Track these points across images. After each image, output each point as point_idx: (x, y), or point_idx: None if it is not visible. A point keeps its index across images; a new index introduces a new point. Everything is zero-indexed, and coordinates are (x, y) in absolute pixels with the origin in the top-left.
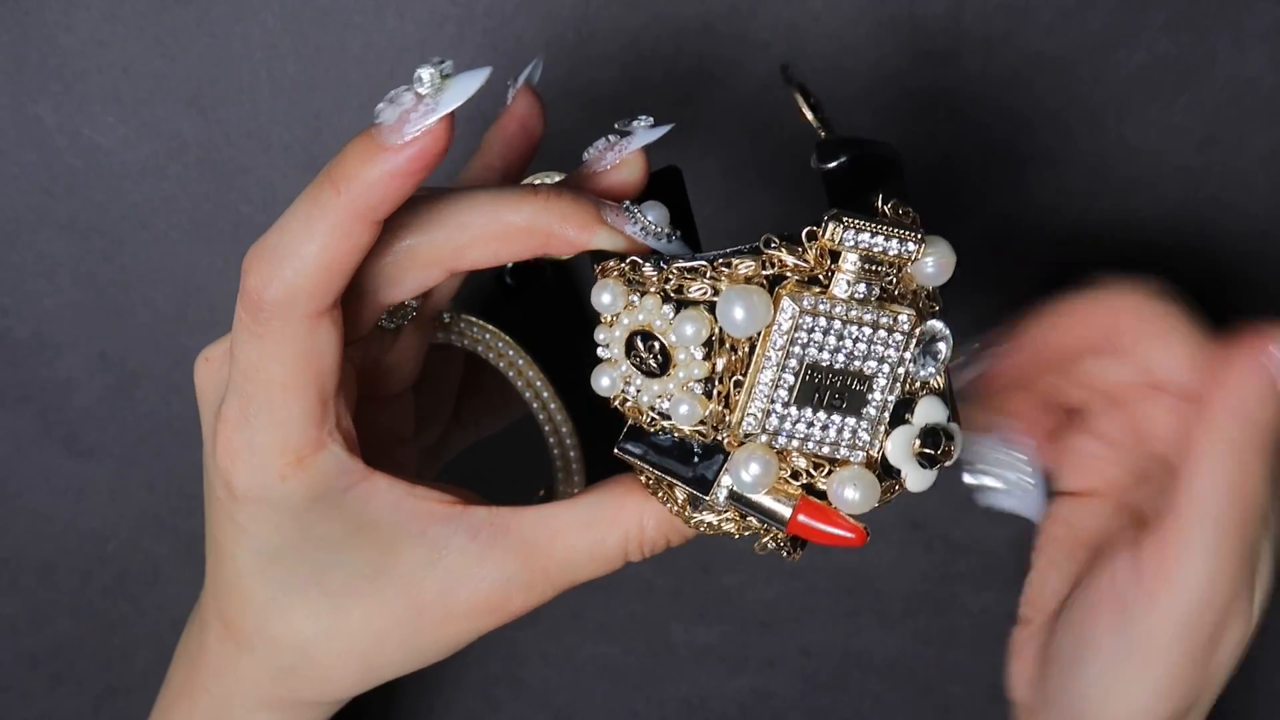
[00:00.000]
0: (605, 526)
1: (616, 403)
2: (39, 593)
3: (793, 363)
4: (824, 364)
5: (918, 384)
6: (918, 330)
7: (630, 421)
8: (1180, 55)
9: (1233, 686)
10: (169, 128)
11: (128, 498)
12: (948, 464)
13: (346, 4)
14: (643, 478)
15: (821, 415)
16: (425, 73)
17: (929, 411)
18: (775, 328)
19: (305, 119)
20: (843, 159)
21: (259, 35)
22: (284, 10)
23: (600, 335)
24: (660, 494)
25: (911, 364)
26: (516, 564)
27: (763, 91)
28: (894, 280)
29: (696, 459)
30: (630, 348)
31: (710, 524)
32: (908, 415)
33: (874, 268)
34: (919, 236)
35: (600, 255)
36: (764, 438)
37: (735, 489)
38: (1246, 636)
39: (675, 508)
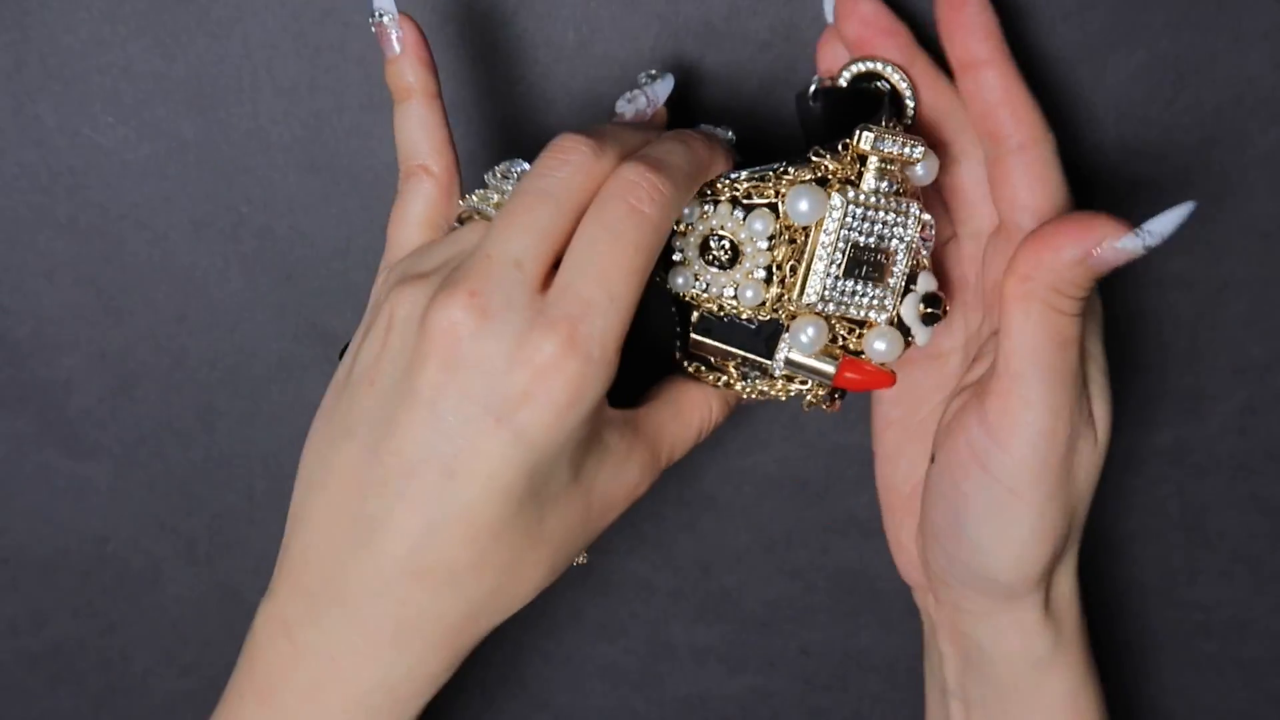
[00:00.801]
0: (689, 414)
1: (687, 298)
2: (39, 593)
3: (842, 243)
4: (861, 244)
5: (917, 262)
6: (921, 216)
7: (696, 317)
8: (1180, 55)
9: (1233, 687)
10: (169, 128)
11: (128, 498)
12: (940, 322)
13: (346, 4)
14: (691, 368)
15: (859, 286)
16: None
17: (927, 282)
18: (829, 216)
19: (305, 119)
20: (816, 105)
21: (259, 35)
22: (284, 10)
23: (676, 242)
24: (712, 376)
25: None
26: (647, 454)
27: (763, 91)
28: (899, 180)
29: (756, 336)
30: (704, 248)
31: (761, 390)
32: (912, 286)
33: (889, 168)
34: (921, 142)
35: None
36: (819, 304)
37: (791, 355)
38: (1099, 456)
39: (730, 381)
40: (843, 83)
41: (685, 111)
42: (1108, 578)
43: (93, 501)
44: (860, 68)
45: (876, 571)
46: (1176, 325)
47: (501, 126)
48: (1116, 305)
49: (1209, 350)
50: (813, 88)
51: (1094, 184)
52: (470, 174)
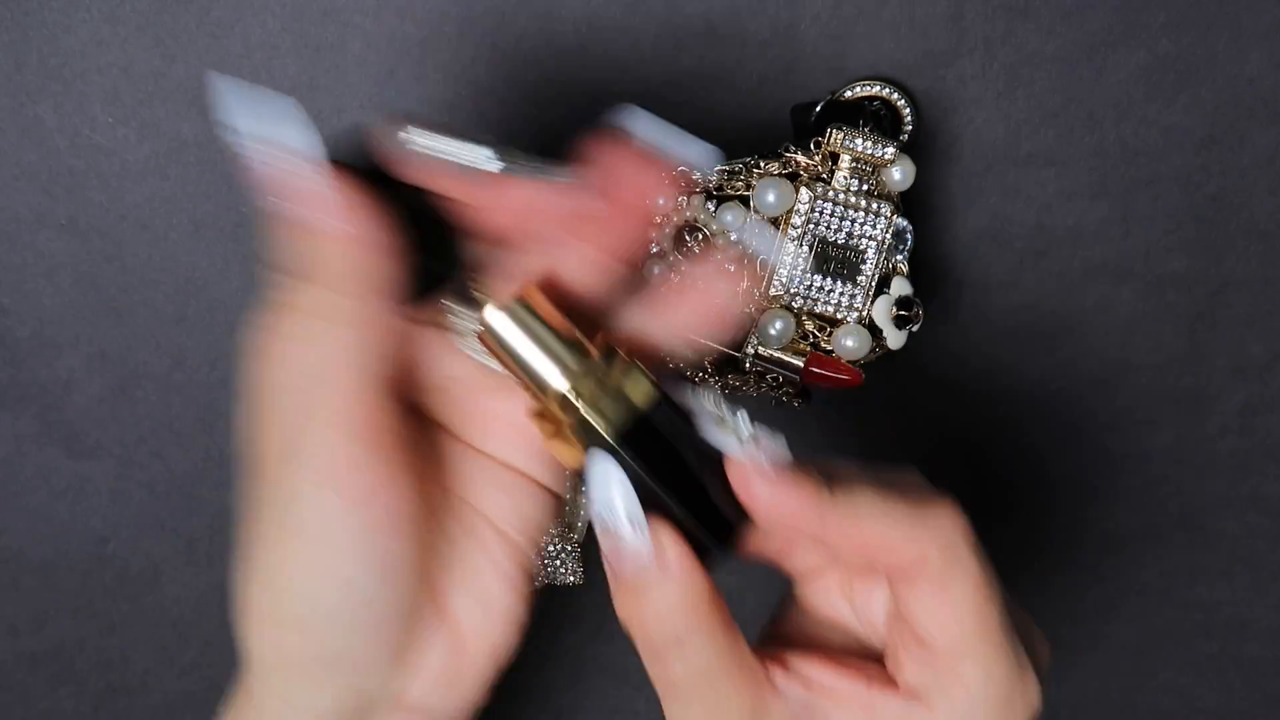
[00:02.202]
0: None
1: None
2: (39, 593)
3: (809, 236)
4: (830, 239)
5: (892, 267)
6: (893, 219)
7: None
8: (1180, 55)
9: (1233, 687)
10: (169, 128)
11: (128, 498)
12: (915, 327)
13: (346, 4)
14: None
15: (828, 282)
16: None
17: (901, 286)
18: (796, 210)
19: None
20: (808, 113)
21: (259, 35)
22: (284, 10)
23: (652, 234)
24: (689, 370)
25: (887, 249)
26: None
27: (763, 91)
28: (874, 182)
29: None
30: (679, 240)
31: (734, 385)
32: (886, 289)
33: (862, 167)
34: (893, 144)
35: None
36: (786, 298)
37: (759, 348)
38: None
39: (704, 375)
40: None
41: (684, 112)
42: (1108, 578)
43: (93, 501)
44: (861, 89)
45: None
46: (1176, 325)
47: (501, 126)
48: (1117, 305)
49: (1209, 350)
50: (819, 107)
51: (1095, 185)
52: None
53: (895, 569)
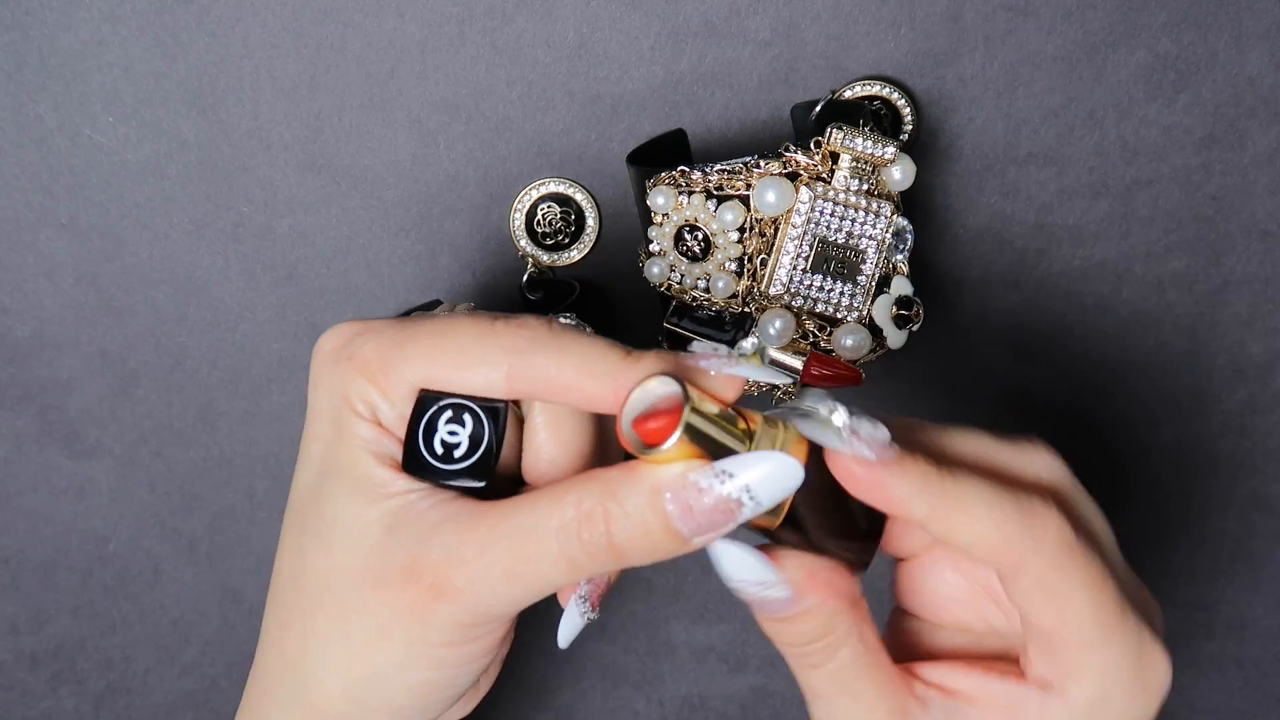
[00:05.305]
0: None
1: (663, 288)
2: (39, 593)
3: (809, 236)
4: (830, 239)
5: (892, 266)
6: (893, 219)
7: (674, 303)
8: (1180, 55)
9: (1234, 687)
10: (169, 128)
11: (128, 498)
12: (915, 327)
13: (346, 4)
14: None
15: (828, 281)
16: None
17: (901, 286)
18: (796, 210)
19: (305, 119)
20: (808, 113)
21: (259, 35)
22: (284, 10)
23: (652, 233)
24: None
25: (887, 249)
26: None
27: (763, 91)
28: (874, 182)
29: (728, 329)
30: (678, 239)
31: None
32: (886, 289)
33: (862, 167)
34: (893, 143)
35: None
36: (786, 297)
37: (761, 347)
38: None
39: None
40: (847, 95)
41: (683, 112)
42: None
43: (93, 501)
44: (861, 89)
45: (876, 571)
46: (1176, 325)
47: (501, 126)
48: (1117, 305)
49: (1209, 350)
50: (819, 106)
51: (1095, 185)
52: (468, 174)
53: (1002, 568)
